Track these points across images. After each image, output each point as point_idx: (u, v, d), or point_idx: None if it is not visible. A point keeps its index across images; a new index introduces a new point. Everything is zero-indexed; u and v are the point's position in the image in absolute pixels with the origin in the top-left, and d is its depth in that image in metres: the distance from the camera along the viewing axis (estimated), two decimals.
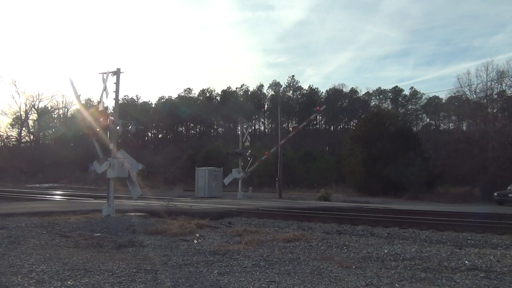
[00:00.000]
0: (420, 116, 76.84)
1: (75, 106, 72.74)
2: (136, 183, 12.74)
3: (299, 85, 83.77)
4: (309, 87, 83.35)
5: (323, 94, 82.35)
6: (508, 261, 6.77)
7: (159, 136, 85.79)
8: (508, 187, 28.85)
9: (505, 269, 6.16)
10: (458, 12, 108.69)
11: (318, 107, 31.57)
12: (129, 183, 12.78)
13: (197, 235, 9.48)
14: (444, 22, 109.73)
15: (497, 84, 44.77)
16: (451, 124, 70.51)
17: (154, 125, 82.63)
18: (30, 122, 72.68)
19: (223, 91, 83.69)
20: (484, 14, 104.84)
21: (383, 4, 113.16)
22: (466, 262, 6.60)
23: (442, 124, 74.52)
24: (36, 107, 70.55)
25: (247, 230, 10.07)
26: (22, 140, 71.43)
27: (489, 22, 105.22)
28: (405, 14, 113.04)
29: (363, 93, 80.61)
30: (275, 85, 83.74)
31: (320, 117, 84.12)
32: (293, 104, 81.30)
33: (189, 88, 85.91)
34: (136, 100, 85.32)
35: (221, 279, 5.42)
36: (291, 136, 34.44)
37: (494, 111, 45.30)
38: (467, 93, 47.21)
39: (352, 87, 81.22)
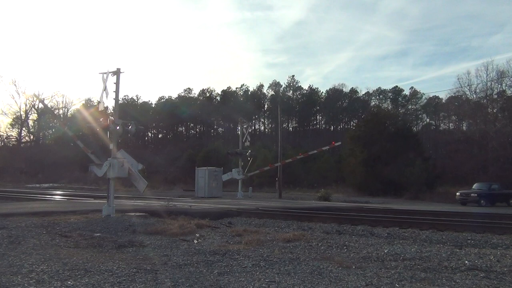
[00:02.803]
0: (420, 116, 76.77)
1: (75, 106, 72.89)
2: (138, 176, 12.78)
3: (299, 85, 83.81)
4: (309, 87, 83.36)
5: (323, 94, 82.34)
6: (508, 261, 6.77)
7: (159, 136, 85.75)
8: (473, 187, 28.56)
9: (505, 269, 6.16)
10: (456, 12, 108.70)
11: (333, 142, 30.53)
12: (132, 180, 12.79)
13: (197, 235, 9.48)
14: (443, 22, 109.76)
15: (497, 84, 44.86)
16: (451, 124, 70.48)
17: (154, 125, 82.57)
18: (30, 122, 72.79)
19: (223, 91, 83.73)
20: (483, 14, 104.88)
21: (382, 4, 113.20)
22: (466, 262, 6.60)
23: (442, 124, 74.48)
24: (36, 107, 70.64)
25: (247, 230, 10.07)
26: (22, 140, 71.45)
27: (488, 22, 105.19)
28: (403, 14, 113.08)
29: (363, 93, 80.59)
30: (275, 85, 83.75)
31: (320, 117, 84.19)
32: (293, 104, 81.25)
33: (189, 88, 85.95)
34: (136, 100, 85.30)
35: (221, 279, 5.42)
36: (298, 158, 33.71)
37: (494, 111, 45.33)
38: (467, 93, 47.32)
39: (352, 87, 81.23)
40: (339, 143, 31.81)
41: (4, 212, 12.41)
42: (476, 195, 27.02)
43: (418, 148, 41.63)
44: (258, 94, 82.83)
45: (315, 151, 33.49)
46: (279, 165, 31.51)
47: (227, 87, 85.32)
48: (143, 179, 12.79)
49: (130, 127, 12.67)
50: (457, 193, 28.60)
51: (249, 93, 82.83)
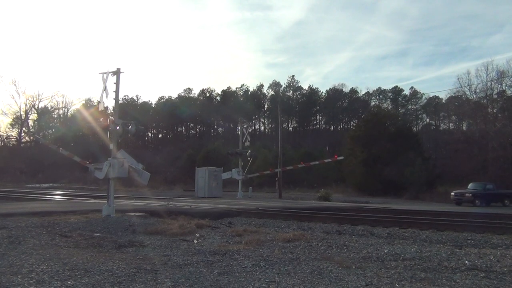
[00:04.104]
0: (420, 116, 76.78)
1: (75, 106, 72.92)
2: (140, 169, 12.82)
3: (299, 85, 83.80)
4: (309, 87, 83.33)
5: (323, 94, 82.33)
6: (508, 261, 6.77)
7: (159, 136, 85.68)
8: (468, 187, 28.41)
9: (505, 269, 6.16)
10: (456, 12, 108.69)
11: (335, 156, 30.49)
12: (135, 176, 12.81)
13: (197, 235, 9.49)
14: (442, 22, 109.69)
15: (497, 84, 44.80)
16: (451, 124, 70.49)
17: (154, 125, 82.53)
18: (30, 122, 72.77)
19: (223, 91, 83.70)
20: (482, 14, 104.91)
21: (381, 4, 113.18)
22: (466, 262, 6.60)
23: (442, 124, 74.48)
24: (36, 107, 70.64)
25: (247, 230, 10.07)
26: (22, 140, 71.42)
27: (487, 22, 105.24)
28: (403, 14, 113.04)
29: (363, 93, 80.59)
30: (275, 85, 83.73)
31: (320, 117, 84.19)
32: (293, 104, 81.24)
33: (189, 88, 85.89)
34: (136, 100, 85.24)
35: (221, 279, 5.42)
36: (300, 166, 33.48)
37: (494, 111, 45.28)
38: (467, 93, 47.26)
39: (352, 87, 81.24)
40: (342, 157, 31.71)
41: (4, 212, 12.41)
42: (470, 195, 26.91)
43: (418, 148, 41.62)
44: (258, 94, 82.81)
45: (317, 162, 33.34)
46: (279, 171, 31.40)
47: (227, 87, 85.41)
48: (145, 171, 12.88)
49: (130, 127, 12.67)
50: (452, 193, 28.46)
51: (249, 93, 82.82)
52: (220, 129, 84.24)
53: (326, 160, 32.33)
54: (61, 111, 75.76)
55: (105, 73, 12.41)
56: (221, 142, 62.43)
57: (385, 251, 7.51)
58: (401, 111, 73.07)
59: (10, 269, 5.70)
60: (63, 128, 67.40)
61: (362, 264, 6.51)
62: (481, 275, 5.81)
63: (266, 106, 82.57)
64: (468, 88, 46.27)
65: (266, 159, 45.25)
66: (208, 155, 50.14)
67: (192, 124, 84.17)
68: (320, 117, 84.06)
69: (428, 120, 76.86)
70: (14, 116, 68.88)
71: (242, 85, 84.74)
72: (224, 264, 6.36)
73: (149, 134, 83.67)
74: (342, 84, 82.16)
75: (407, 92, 77.97)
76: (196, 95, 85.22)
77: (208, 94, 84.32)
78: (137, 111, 74.66)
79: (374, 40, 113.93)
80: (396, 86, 78.75)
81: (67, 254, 6.95)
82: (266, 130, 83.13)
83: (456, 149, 42.64)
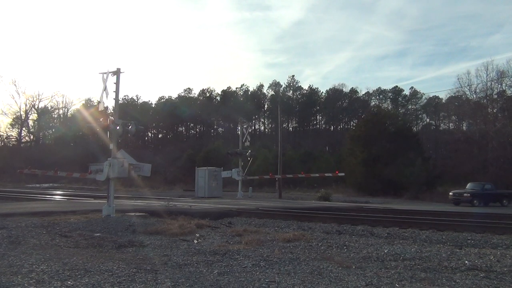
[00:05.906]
0: (420, 116, 76.80)
1: (75, 106, 72.90)
2: (140, 164, 12.86)
3: (299, 85, 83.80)
4: (309, 87, 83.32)
5: (323, 94, 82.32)
6: (508, 261, 6.77)
7: (159, 136, 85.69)
8: (466, 187, 28.30)
9: (505, 269, 6.16)
10: (455, 12, 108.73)
11: (337, 171, 30.61)
12: (137, 171, 12.83)
13: (197, 235, 9.49)
14: (442, 22, 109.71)
15: (497, 84, 44.81)
16: (451, 124, 70.46)
17: (154, 125, 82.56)
18: (30, 122, 72.76)
19: (223, 91, 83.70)
20: (482, 14, 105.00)
21: (381, 4, 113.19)
22: (466, 262, 6.60)
23: (442, 124, 74.47)
24: (36, 107, 70.63)
25: (247, 230, 10.07)
26: (22, 140, 71.41)
27: (486, 22, 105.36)
28: (402, 14, 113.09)
29: (363, 93, 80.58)
30: (275, 85, 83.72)
31: (320, 117, 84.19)
32: (293, 104, 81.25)
33: (189, 88, 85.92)
34: (136, 100, 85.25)
35: (221, 279, 5.42)
36: (300, 176, 33.28)
37: (494, 111, 45.30)
38: (467, 93, 47.29)
39: (352, 87, 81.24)
40: (343, 174, 31.61)
41: (4, 212, 12.41)
42: (469, 195, 26.82)
43: (418, 148, 41.60)
44: (258, 94, 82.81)
45: (317, 175, 33.30)
46: (279, 177, 31.32)
47: (227, 87, 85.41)
48: (145, 163, 12.93)
49: (130, 127, 12.67)
50: (450, 193, 28.33)
51: (249, 93, 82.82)
52: (220, 129, 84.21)
53: (326, 174, 32.29)
54: (61, 111, 75.82)
55: (105, 73, 12.41)
56: (221, 142, 62.36)
57: (385, 251, 7.51)
58: (401, 111, 73.07)
59: (10, 269, 5.70)
60: (63, 128, 67.41)
61: (362, 264, 6.51)
62: (481, 275, 5.81)
63: (266, 106, 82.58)
64: (468, 88, 46.35)
65: (266, 159, 45.25)
66: (208, 155, 50.14)
67: (192, 124, 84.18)
68: (320, 117, 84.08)
69: (428, 120, 76.88)
70: (14, 116, 68.94)
71: (242, 85, 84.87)
72: (224, 264, 6.36)
73: (149, 134, 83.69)
74: (342, 84, 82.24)
75: (407, 92, 78.09)
76: (196, 95, 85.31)
77: (208, 94, 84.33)
78: (137, 111, 74.63)
79: (374, 40, 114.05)
80: (396, 86, 78.86)
81: (67, 254, 6.95)
82: (266, 130, 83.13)
83: (456, 149, 42.66)
